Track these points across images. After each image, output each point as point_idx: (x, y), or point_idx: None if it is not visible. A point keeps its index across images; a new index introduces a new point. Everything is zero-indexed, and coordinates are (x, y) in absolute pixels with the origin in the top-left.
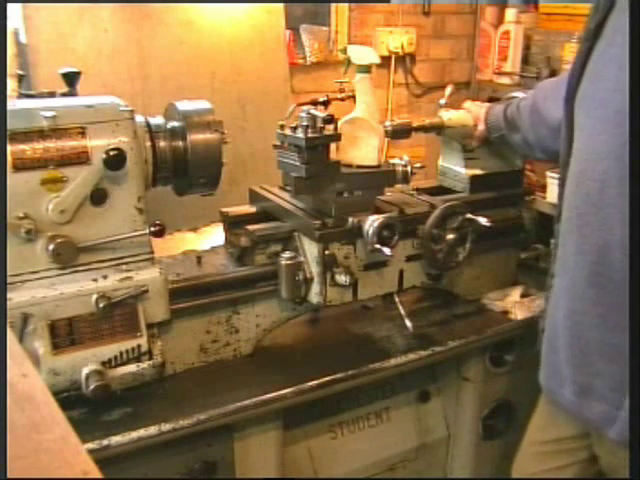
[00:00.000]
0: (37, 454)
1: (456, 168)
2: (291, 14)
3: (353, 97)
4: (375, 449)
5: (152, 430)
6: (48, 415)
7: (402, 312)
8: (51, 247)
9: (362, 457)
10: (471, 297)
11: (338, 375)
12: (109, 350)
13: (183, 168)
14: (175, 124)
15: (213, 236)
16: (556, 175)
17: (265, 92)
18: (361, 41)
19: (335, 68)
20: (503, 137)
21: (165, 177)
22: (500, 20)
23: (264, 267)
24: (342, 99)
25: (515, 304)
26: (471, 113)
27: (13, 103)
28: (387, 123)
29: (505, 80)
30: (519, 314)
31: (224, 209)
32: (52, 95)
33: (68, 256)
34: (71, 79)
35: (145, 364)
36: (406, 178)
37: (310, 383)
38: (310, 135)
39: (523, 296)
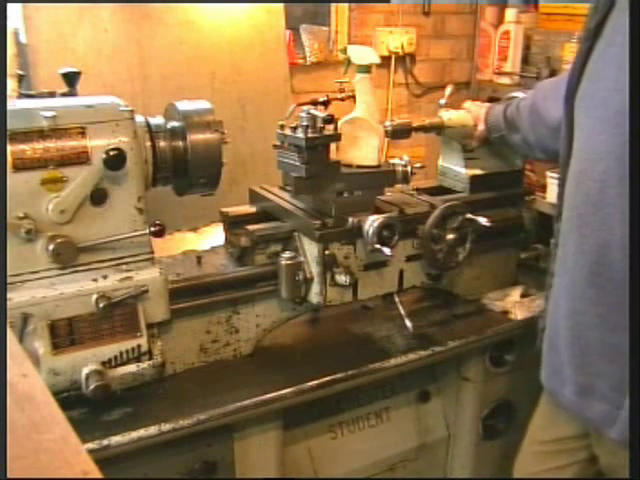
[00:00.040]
0: (37, 454)
1: (456, 168)
2: (291, 14)
3: (353, 97)
4: (375, 449)
5: (152, 430)
6: (48, 415)
7: (402, 312)
8: (51, 247)
9: (362, 457)
10: (471, 297)
11: (338, 375)
12: (109, 350)
13: (183, 168)
14: (175, 124)
15: (213, 236)
16: (556, 175)
17: (265, 92)
18: (361, 41)
19: (335, 68)
20: (503, 137)
21: (165, 177)
22: (500, 20)
23: (264, 267)
24: (342, 99)
25: (515, 304)
26: (471, 113)
27: (13, 103)
28: (387, 123)
29: (505, 80)
30: (519, 314)
31: (224, 209)
32: (52, 95)
33: (68, 256)
34: (71, 79)
35: (145, 364)
36: (406, 178)
37: (310, 383)
38: (310, 135)
39: (523, 296)
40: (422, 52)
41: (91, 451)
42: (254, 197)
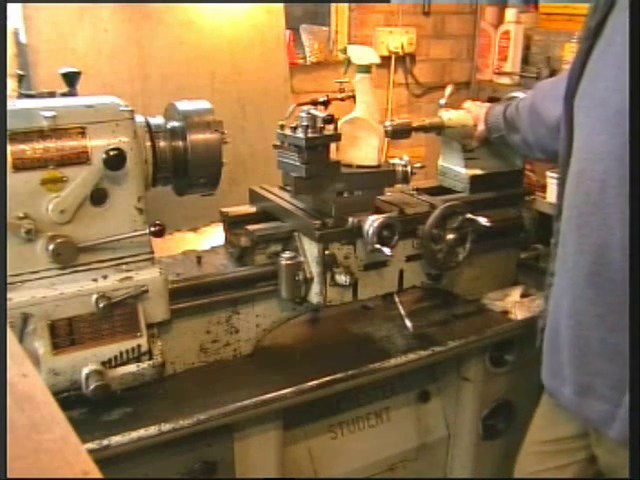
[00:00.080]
0: (37, 454)
1: (456, 168)
2: (291, 14)
3: (353, 97)
4: (375, 449)
5: (152, 430)
6: (48, 415)
7: (402, 312)
8: (51, 247)
9: (362, 457)
10: (471, 297)
11: (338, 375)
12: (109, 350)
13: (183, 168)
14: (175, 124)
15: (213, 236)
16: (556, 175)
17: (265, 92)
18: (361, 41)
19: (335, 68)
20: (503, 137)
21: (165, 177)
22: (500, 20)
23: (264, 267)
24: (342, 99)
25: (515, 304)
26: (471, 113)
27: (13, 103)
28: (387, 123)
29: (505, 80)
30: (519, 314)
31: (224, 209)
32: (52, 95)
33: (68, 256)
34: (71, 79)
35: (145, 364)
36: (406, 178)
37: (310, 383)
38: (310, 135)
39: (523, 296)
40: (422, 52)
41: (91, 451)
42: (254, 197)
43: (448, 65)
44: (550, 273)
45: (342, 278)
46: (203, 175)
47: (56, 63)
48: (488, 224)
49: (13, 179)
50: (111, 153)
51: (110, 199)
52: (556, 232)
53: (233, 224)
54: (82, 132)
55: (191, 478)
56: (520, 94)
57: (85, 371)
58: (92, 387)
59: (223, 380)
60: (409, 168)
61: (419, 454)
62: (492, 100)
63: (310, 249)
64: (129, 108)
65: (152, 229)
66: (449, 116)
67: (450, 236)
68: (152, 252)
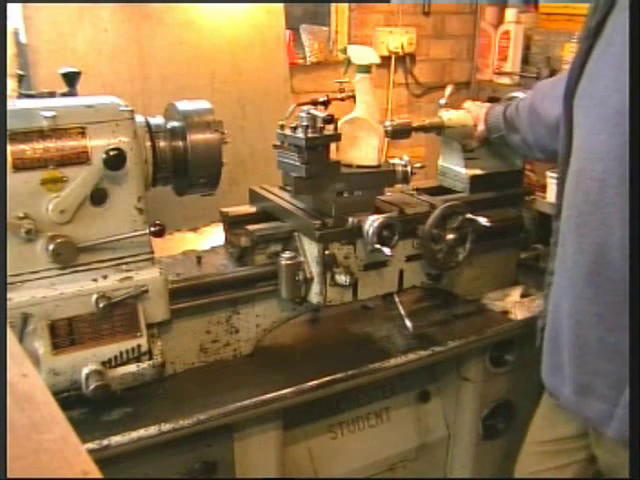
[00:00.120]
0: (37, 454)
1: (456, 168)
2: (291, 14)
3: (353, 97)
4: (375, 449)
5: (152, 430)
6: (48, 415)
7: (402, 312)
8: (51, 247)
9: (362, 457)
10: (471, 297)
11: (338, 375)
12: (109, 350)
13: (183, 168)
14: (175, 124)
15: (213, 236)
16: (556, 175)
17: (265, 92)
18: (361, 41)
19: (335, 68)
20: (503, 137)
21: (165, 177)
22: (500, 20)
23: (264, 267)
24: (342, 99)
25: (515, 304)
26: (471, 113)
27: (13, 103)
28: (387, 123)
29: (505, 80)
30: (519, 314)
31: (224, 209)
32: (52, 95)
33: (68, 256)
34: (71, 79)
35: (145, 364)
36: (406, 178)
37: (310, 383)
38: (310, 135)
39: (523, 296)
40: (422, 52)
41: (91, 451)
42: (254, 197)
43: (448, 65)
44: (549, 272)
45: (342, 278)
46: (203, 175)
47: (56, 63)
48: (488, 224)
49: (13, 179)
50: (111, 153)
51: (110, 199)
52: (555, 231)
53: (233, 224)
54: (82, 132)
55: (191, 478)
56: (520, 94)
57: (85, 371)
58: (92, 387)
59: (223, 380)
60: (409, 168)
61: (419, 454)
62: (492, 100)
63: (310, 249)
64: (129, 108)
65: (152, 229)
66: (449, 116)
67: (450, 236)
68: (152, 252)
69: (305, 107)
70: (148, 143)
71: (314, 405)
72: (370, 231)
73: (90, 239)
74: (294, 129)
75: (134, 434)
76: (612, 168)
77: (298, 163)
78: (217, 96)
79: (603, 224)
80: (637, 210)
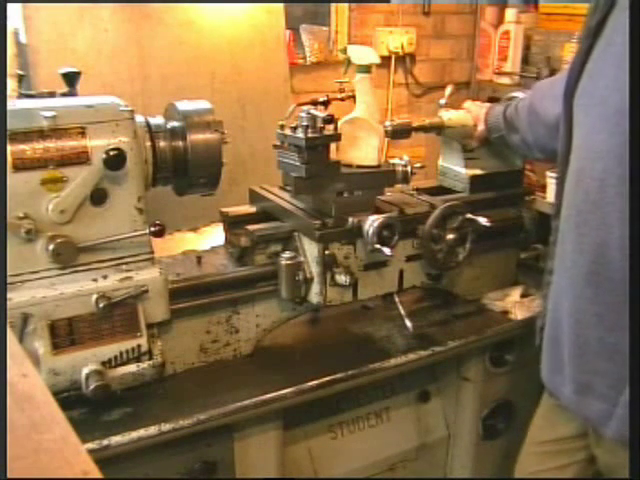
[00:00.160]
0: (37, 454)
1: (456, 168)
2: (291, 14)
3: (353, 97)
4: (375, 449)
5: (152, 430)
6: (48, 415)
7: (402, 312)
8: (51, 247)
9: (362, 457)
10: (471, 297)
11: (338, 375)
12: (109, 350)
13: (183, 168)
14: (175, 124)
15: (213, 236)
16: (555, 175)
17: (265, 92)
18: (361, 41)
19: (335, 68)
20: (503, 137)
21: (165, 177)
22: (500, 20)
23: (264, 267)
24: (342, 99)
25: (515, 304)
26: (471, 113)
27: (13, 103)
28: (387, 123)
29: (505, 80)
30: (519, 314)
31: (224, 209)
32: (52, 95)
33: (68, 256)
34: (71, 79)
35: (145, 364)
36: (406, 178)
37: (310, 383)
38: (310, 135)
39: (523, 296)
40: (422, 52)
41: (91, 451)
42: (254, 197)
43: (448, 65)
44: (549, 271)
45: (342, 278)
46: (203, 175)
47: (56, 63)
48: (488, 224)
49: (13, 179)
50: (111, 153)
51: (110, 199)
52: (554, 230)
53: (233, 224)
54: (82, 132)
55: (191, 478)
56: (520, 94)
57: (85, 371)
58: (92, 387)
59: (223, 380)
60: (409, 168)
61: (419, 454)
62: (492, 100)
63: (310, 249)
64: (129, 108)
65: (152, 229)
66: (449, 116)
67: (450, 236)
68: (152, 252)
69: (305, 107)
70: (148, 143)
71: (314, 405)
72: (370, 231)
73: (90, 239)
74: (294, 129)
75: (134, 434)
76: (612, 167)
77: (298, 163)
78: (217, 96)
79: (603, 223)
80: (637, 210)
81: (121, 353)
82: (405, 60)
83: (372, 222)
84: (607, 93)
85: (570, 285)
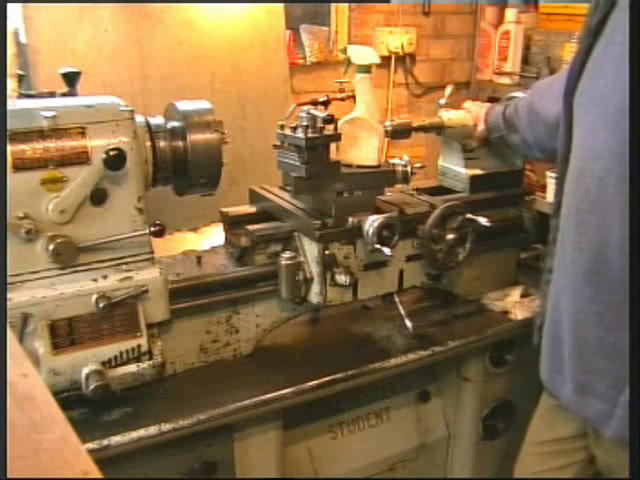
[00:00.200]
0: (37, 454)
1: (456, 168)
2: (291, 14)
3: (353, 97)
4: (375, 449)
5: (152, 430)
6: (48, 415)
7: (402, 312)
8: (51, 247)
9: (362, 457)
10: (471, 297)
11: (338, 375)
12: (109, 350)
13: (183, 168)
14: (175, 124)
15: (213, 236)
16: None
17: (265, 92)
18: (361, 41)
19: (335, 68)
20: (503, 137)
21: (165, 177)
22: (500, 20)
23: (264, 267)
24: (342, 99)
25: (515, 304)
26: (471, 113)
27: (13, 103)
28: (387, 123)
29: (505, 80)
30: (519, 314)
31: (224, 209)
32: (52, 95)
33: (68, 256)
34: (71, 79)
35: (145, 364)
36: (406, 178)
37: (310, 383)
38: (310, 135)
39: (523, 296)
40: (422, 52)
41: (91, 451)
42: (254, 197)
43: (448, 65)
44: (548, 270)
45: (342, 278)
46: (203, 175)
47: (56, 63)
48: (488, 224)
49: (13, 179)
50: (111, 153)
51: (110, 199)
52: (554, 229)
53: (233, 224)
54: (82, 132)
55: (191, 478)
56: (520, 94)
57: (85, 371)
58: (92, 387)
59: (223, 380)
60: (409, 168)
61: (419, 454)
62: (492, 100)
63: (310, 249)
64: (129, 108)
65: (152, 229)
66: (449, 116)
67: (450, 236)
68: (152, 252)
69: (305, 107)
70: (148, 143)
71: (314, 405)
72: (370, 231)
73: (90, 239)
74: (294, 129)
75: (134, 434)
76: (612, 167)
77: (298, 163)
78: (217, 96)
79: (602, 223)
80: (637, 209)
81: (121, 353)
82: (405, 60)
83: (372, 222)
84: (607, 92)
85: (570, 284)
